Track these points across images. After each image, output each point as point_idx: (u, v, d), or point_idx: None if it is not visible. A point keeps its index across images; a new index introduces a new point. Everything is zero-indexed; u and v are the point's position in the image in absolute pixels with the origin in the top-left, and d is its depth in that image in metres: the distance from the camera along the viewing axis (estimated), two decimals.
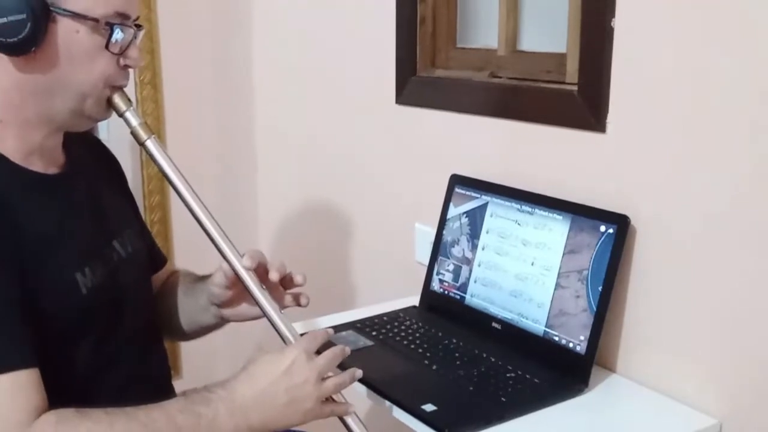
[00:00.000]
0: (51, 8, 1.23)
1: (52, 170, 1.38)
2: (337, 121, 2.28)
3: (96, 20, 1.26)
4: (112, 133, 2.25)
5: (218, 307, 1.54)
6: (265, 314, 1.41)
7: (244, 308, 1.52)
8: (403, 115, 2.02)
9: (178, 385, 1.53)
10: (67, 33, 1.25)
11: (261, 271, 1.43)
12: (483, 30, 1.94)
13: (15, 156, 1.30)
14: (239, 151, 2.74)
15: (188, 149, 2.69)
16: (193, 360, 2.83)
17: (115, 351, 1.39)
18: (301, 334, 1.38)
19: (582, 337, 1.49)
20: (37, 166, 1.34)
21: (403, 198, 2.07)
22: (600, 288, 1.47)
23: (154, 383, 1.47)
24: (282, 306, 1.45)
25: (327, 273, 2.37)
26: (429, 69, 1.97)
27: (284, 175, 2.59)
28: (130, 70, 1.36)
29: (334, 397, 1.33)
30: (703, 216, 1.38)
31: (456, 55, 1.96)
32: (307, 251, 2.46)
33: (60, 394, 1.19)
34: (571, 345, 1.50)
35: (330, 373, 1.33)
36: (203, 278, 1.57)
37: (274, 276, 1.41)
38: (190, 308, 1.60)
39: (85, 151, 1.50)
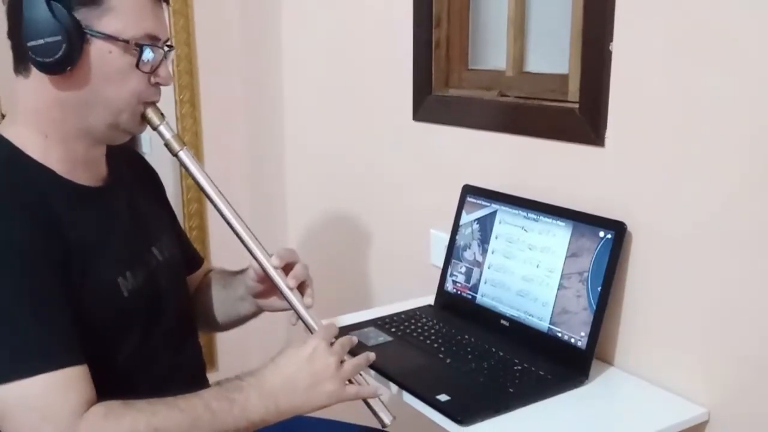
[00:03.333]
0: (85, 30, 1.22)
1: (96, 183, 1.37)
2: (359, 136, 2.28)
3: (126, 42, 1.25)
4: (154, 147, 2.26)
5: (254, 297, 1.55)
6: (291, 306, 1.42)
7: (275, 300, 1.53)
8: (420, 131, 2.02)
9: (213, 377, 1.54)
10: (100, 53, 1.24)
11: (289, 269, 1.44)
12: (492, 53, 1.93)
13: (61, 169, 1.30)
14: (269, 162, 2.75)
15: (223, 160, 2.72)
16: (228, 354, 2.85)
17: (154, 348, 1.39)
18: None
19: (583, 333, 1.49)
20: (81, 178, 1.34)
21: (419, 206, 2.07)
22: (599, 288, 1.47)
23: (189, 376, 1.48)
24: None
25: (350, 275, 2.39)
26: (443, 89, 1.97)
27: (310, 186, 2.59)
28: (168, 87, 1.35)
29: (360, 380, 1.34)
30: (694, 223, 1.38)
31: (468, 76, 1.96)
32: (331, 255, 2.47)
33: (103, 388, 1.20)
34: (572, 340, 1.51)
35: (347, 357, 1.34)
36: (239, 272, 1.58)
37: (291, 282, 1.41)
38: (228, 300, 1.61)
39: (126, 164, 1.50)
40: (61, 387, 1.15)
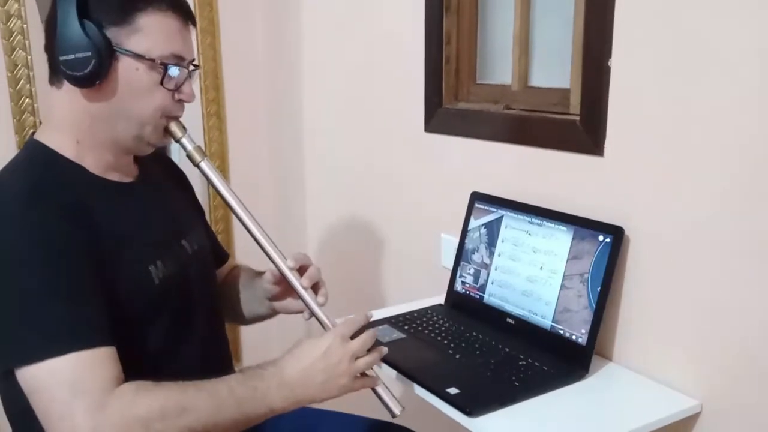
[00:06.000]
0: (114, 48, 1.24)
1: (127, 179, 1.39)
2: (374, 146, 2.29)
3: (153, 60, 1.26)
4: (182, 156, 2.28)
5: (270, 301, 1.56)
6: (306, 305, 1.42)
7: (290, 302, 1.54)
8: (431, 142, 2.02)
9: (237, 369, 1.55)
10: (127, 70, 1.26)
11: (303, 271, 1.44)
12: (499, 69, 1.94)
13: (94, 169, 1.32)
14: (291, 170, 2.75)
15: (247, 169, 2.73)
16: (251, 347, 2.86)
17: (184, 335, 1.39)
18: None
19: (583, 331, 1.49)
20: (113, 176, 1.36)
21: (430, 212, 2.08)
22: (599, 288, 1.48)
23: (217, 364, 1.48)
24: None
25: (366, 276, 2.39)
26: (453, 102, 1.97)
27: (329, 192, 2.59)
28: (196, 101, 1.35)
29: (367, 372, 1.34)
30: (687, 227, 1.39)
31: (476, 90, 1.97)
32: (348, 257, 2.48)
33: (134, 373, 1.20)
34: (573, 337, 1.51)
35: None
36: (259, 274, 1.59)
37: (305, 282, 1.42)
38: (248, 299, 1.62)
39: (155, 165, 1.51)
40: (91, 365, 1.15)
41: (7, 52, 2.29)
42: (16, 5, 2.27)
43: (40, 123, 2.34)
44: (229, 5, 2.68)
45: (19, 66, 2.31)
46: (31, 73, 2.32)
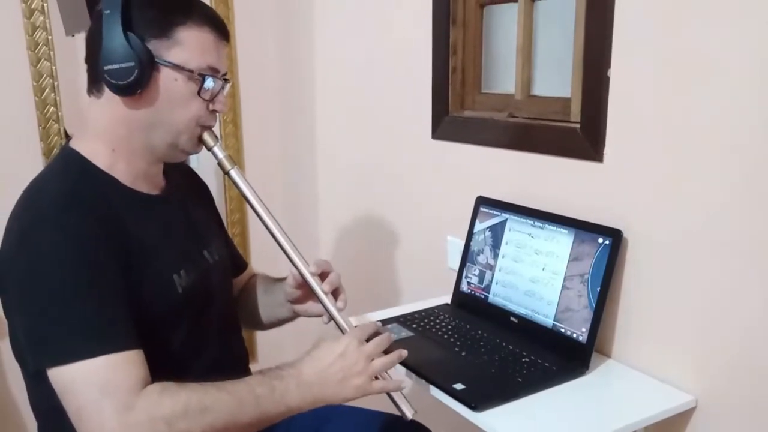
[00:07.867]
0: (155, 59, 1.26)
1: (155, 192, 1.40)
2: (383, 152, 2.29)
3: (191, 71, 1.28)
4: (201, 163, 2.30)
5: (291, 304, 1.57)
6: (326, 309, 1.43)
7: (310, 305, 1.54)
8: (438, 148, 2.03)
9: (253, 367, 1.56)
10: (167, 80, 1.28)
11: (325, 276, 1.45)
12: (503, 78, 1.94)
13: (125, 179, 1.33)
14: (303, 175, 2.77)
15: (262, 175, 2.74)
16: (266, 347, 2.88)
17: (204, 339, 1.40)
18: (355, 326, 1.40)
19: (583, 329, 1.50)
20: (142, 188, 1.36)
21: (437, 215, 2.08)
22: (598, 289, 1.48)
23: (234, 365, 1.49)
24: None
25: (375, 276, 2.39)
26: (459, 110, 1.98)
27: (340, 196, 2.60)
28: (218, 114, 1.38)
29: (385, 375, 1.34)
30: (683, 230, 1.39)
31: (481, 99, 1.97)
32: (358, 259, 2.49)
33: (157, 374, 1.21)
34: (574, 335, 1.52)
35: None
36: (279, 280, 1.60)
37: (326, 287, 1.43)
38: (269, 304, 1.62)
39: (180, 177, 1.53)
40: (121, 367, 1.16)
41: (32, 62, 2.32)
42: (42, 17, 2.30)
43: (65, 131, 2.37)
44: (243, 19, 2.69)
45: (45, 76, 2.34)
46: (55, 83, 2.35)
